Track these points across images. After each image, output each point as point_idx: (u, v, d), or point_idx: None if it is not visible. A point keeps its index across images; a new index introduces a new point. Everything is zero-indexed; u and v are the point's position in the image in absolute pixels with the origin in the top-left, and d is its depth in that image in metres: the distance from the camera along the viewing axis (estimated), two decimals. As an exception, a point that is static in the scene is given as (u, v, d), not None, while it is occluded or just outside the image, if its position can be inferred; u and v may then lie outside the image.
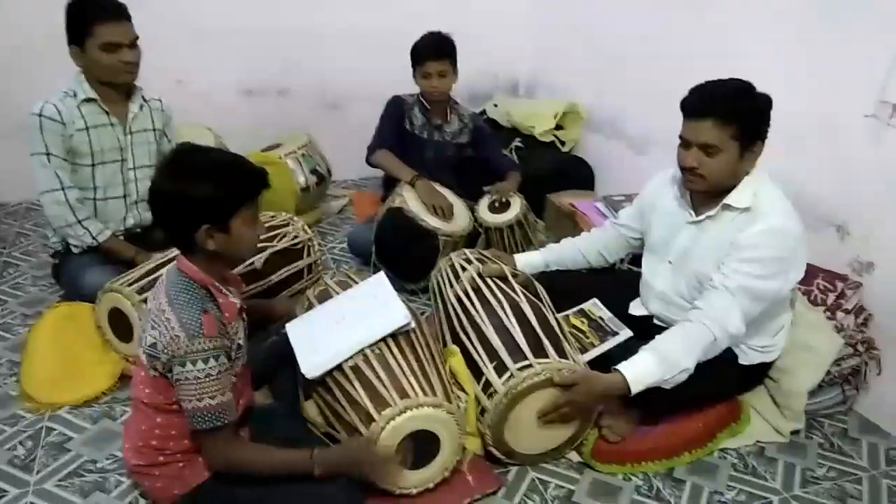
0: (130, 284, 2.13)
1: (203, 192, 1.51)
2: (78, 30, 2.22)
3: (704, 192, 1.92)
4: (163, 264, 2.18)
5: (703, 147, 1.82)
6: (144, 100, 2.46)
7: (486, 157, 3.17)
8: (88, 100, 2.32)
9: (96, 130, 2.35)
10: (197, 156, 1.58)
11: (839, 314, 2.14)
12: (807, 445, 2.09)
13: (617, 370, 1.81)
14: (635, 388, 1.79)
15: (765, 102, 1.82)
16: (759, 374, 2.11)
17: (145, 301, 2.02)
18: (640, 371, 1.80)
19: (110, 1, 2.23)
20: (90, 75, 2.31)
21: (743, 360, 2.01)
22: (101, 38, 2.21)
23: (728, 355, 1.95)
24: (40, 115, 2.26)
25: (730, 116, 1.78)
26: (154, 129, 2.49)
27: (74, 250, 2.39)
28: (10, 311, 2.56)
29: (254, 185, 1.59)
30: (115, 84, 2.33)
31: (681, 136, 1.87)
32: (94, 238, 2.36)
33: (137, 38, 2.29)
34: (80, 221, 2.34)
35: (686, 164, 1.86)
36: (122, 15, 2.24)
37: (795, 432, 2.11)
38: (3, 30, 3.16)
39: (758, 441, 2.08)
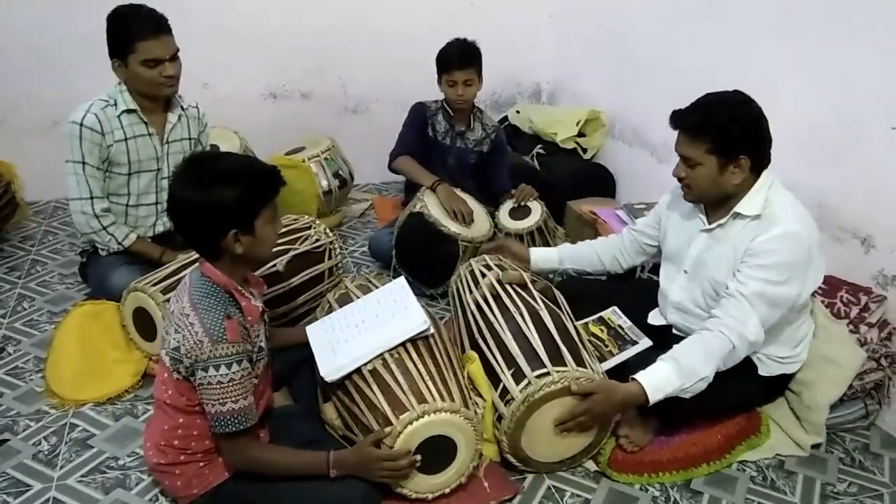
0: (155, 284, 2.16)
1: (228, 198, 1.53)
2: (120, 45, 2.24)
3: (698, 202, 1.97)
4: (188, 264, 2.21)
5: (684, 159, 1.87)
6: (182, 109, 2.49)
7: (492, 172, 3.13)
8: (128, 111, 2.35)
9: (135, 141, 2.37)
10: (211, 163, 1.61)
11: (862, 328, 2.12)
12: (827, 460, 2.06)
13: (635, 379, 1.81)
14: (654, 397, 1.79)
15: (746, 117, 1.81)
16: (780, 385, 2.09)
17: (169, 301, 2.05)
18: (659, 380, 1.80)
19: (152, 16, 2.24)
20: (131, 87, 2.33)
21: (763, 371, 2.00)
22: (144, 54, 2.22)
23: (748, 366, 1.94)
24: (81, 125, 2.28)
25: (698, 132, 1.82)
26: (190, 139, 2.52)
27: (101, 253, 2.43)
28: (37, 309, 2.61)
29: (271, 184, 1.62)
30: (155, 96, 2.36)
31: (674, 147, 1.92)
32: (119, 244, 2.40)
33: (178, 50, 2.31)
34: (105, 228, 2.37)
35: (674, 173, 1.93)
36: (163, 29, 2.25)
37: (816, 446, 2.08)
38: (36, 31, 3.22)
39: (777, 454, 2.06)
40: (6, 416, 2.06)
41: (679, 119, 1.86)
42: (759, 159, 1.85)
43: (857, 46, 2.21)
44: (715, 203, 1.94)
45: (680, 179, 1.91)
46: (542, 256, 2.34)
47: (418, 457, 1.67)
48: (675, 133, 1.90)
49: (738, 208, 1.88)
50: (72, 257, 2.94)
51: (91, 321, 2.30)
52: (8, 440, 1.97)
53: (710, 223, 1.96)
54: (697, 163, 1.84)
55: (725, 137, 1.80)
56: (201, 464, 1.67)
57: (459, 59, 2.87)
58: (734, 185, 1.86)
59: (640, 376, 1.81)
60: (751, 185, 1.87)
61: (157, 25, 2.24)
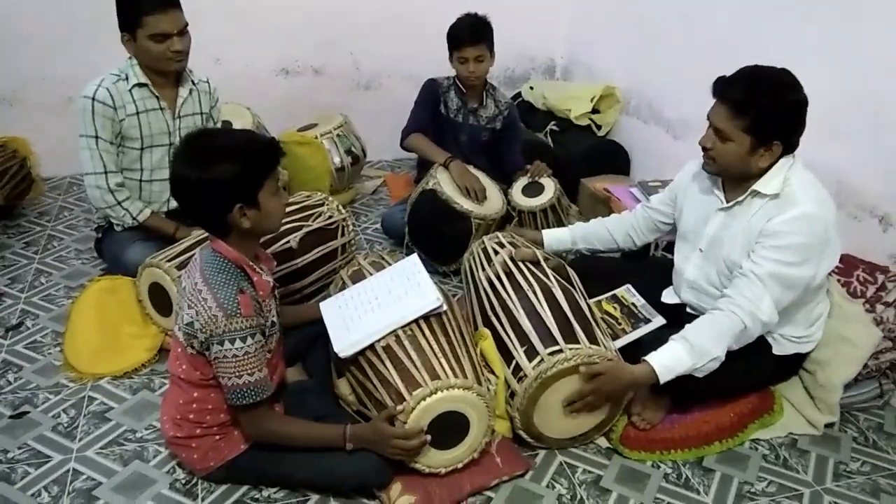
0: (170, 260, 2.17)
1: (227, 174, 1.54)
2: (128, 19, 2.24)
3: (717, 175, 1.93)
4: (203, 240, 2.22)
5: (717, 131, 1.82)
6: (193, 83, 2.49)
7: (506, 149, 3.11)
8: (140, 84, 2.35)
9: (146, 115, 2.38)
10: (208, 140, 1.62)
11: (879, 307, 2.10)
12: (840, 439, 2.06)
13: (645, 361, 1.81)
14: (664, 377, 1.78)
15: (793, 104, 1.77)
16: (794, 364, 2.09)
17: (183, 277, 2.07)
18: (669, 360, 1.80)
19: None
20: (141, 61, 2.33)
21: (777, 350, 1.99)
22: (151, 28, 2.22)
23: (762, 345, 1.93)
24: (93, 99, 2.29)
25: (743, 108, 1.76)
26: (201, 113, 2.52)
27: (116, 228, 2.45)
28: (54, 284, 2.64)
29: (271, 156, 1.63)
30: (164, 71, 2.35)
31: (707, 115, 1.87)
32: (134, 219, 2.42)
33: (187, 24, 2.30)
34: (119, 203, 2.39)
35: (701, 142, 1.88)
36: (172, 4, 2.24)
37: (829, 425, 2.08)
38: (49, 9, 3.22)
39: (790, 433, 2.06)
40: (26, 388, 2.10)
41: (723, 89, 1.80)
42: (791, 146, 1.83)
43: (877, 24, 2.16)
44: (733, 180, 1.92)
45: (705, 149, 1.87)
46: (554, 238, 2.32)
47: (429, 437, 1.68)
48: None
49: (757, 186, 1.85)
50: (87, 233, 2.97)
51: (107, 296, 2.33)
52: (28, 412, 2.00)
53: (727, 201, 1.94)
54: (729, 138, 1.80)
55: (766, 121, 1.76)
56: (217, 437, 1.70)
57: (470, 34, 2.83)
58: (760, 167, 1.83)
59: (651, 357, 1.80)
60: (772, 165, 1.85)
61: (165, 0, 2.23)
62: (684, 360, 1.79)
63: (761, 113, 1.75)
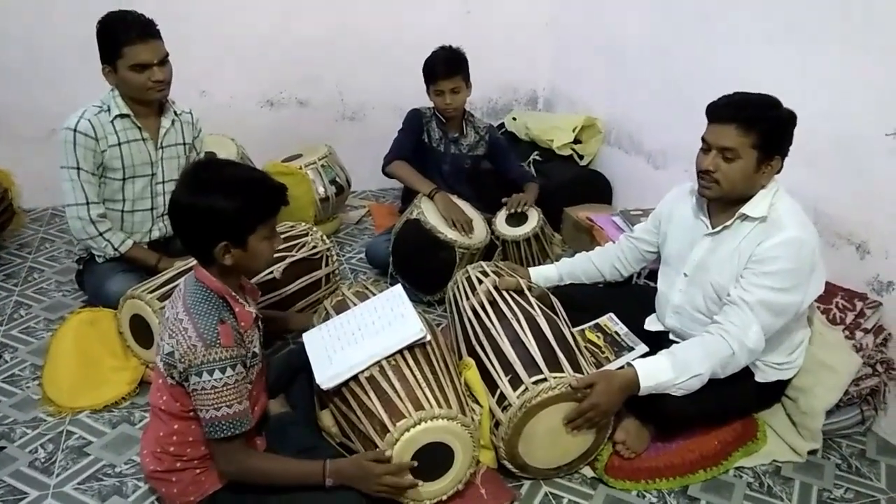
0: (152, 291, 2.16)
1: (222, 209, 1.53)
2: (108, 51, 2.25)
3: (717, 200, 1.94)
4: (184, 271, 2.21)
5: (722, 151, 1.85)
6: (176, 114, 2.50)
7: (504, 168, 3.18)
8: (122, 115, 2.35)
9: (128, 146, 2.38)
10: (217, 171, 1.61)
11: (858, 333, 2.12)
12: (824, 466, 2.07)
13: (630, 364, 1.84)
14: (645, 382, 1.81)
15: (789, 117, 1.84)
16: (776, 391, 2.10)
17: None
18: (652, 368, 1.83)
19: (138, 21, 2.24)
20: (122, 92, 2.34)
21: (759, 378, 2.00)
22: (131, 59, 2.23)
23: (744, 372, 1.94)
24: (75, 131, 2.29)
25: (753, 123, 1.81)
26: (184, 143, 2.53)
27: (98, 259, 2.43)
28: (34, 316, 2.60)
29: (272, 203, 1.62)
30: (145, 101, 2.36)
31: (703, 139, 1.90)
32: (115, 249, 2.40)
33: (167, 54, 2.31)
34: (101, 234, 2.38)
35: (703, 166, 1.89)
36: (150, 34, 2.25)
37: (812, 452, 2.08)
38: (31, 39, 3.23)
39: (774, 460, 2.06)
40: (3, 423, 2.06)
41: (727, 109, 1.84)
42: (783, 162, 1.88)
43: (850, 53, 2.22)
44: (723, 205, 1.94)
45: (707, 173, 1.88)
46: (541, 276, 2.32)
47: (415, 474, 1.66)
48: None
49: (745, 210, 1.89)
50: (69, 265, 2.94)
51: (88, 328, 2.30)
52: (4, 447, 1.96)
53: (714, 227, 1.97)
54: (738, 156, 1.82)
55: (772, 134, 1.82)
56: (197, 471, 1.67)
57: (444, 67, 2.88)
58: (762, 184, 1.87)
59: (636, 362, 1.84)
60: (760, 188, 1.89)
61: (144, 30, 2.24)
62: (666, 370, 1.82)
63: (767, 126, 1.81)
